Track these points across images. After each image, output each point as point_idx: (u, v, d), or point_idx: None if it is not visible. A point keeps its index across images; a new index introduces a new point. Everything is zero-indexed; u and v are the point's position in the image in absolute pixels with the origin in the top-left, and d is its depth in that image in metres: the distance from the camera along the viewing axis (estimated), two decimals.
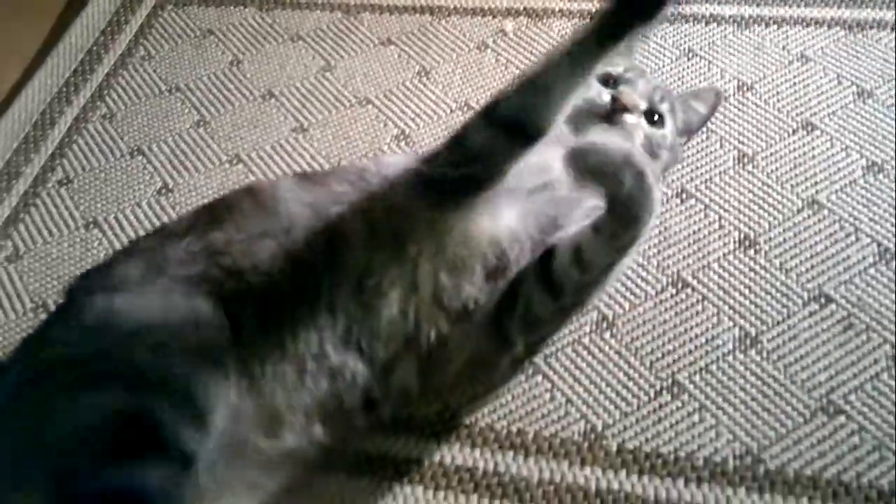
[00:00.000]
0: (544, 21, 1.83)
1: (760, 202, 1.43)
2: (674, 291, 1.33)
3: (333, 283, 1.05)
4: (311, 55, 1.84)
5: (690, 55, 1.70)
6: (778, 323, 1.28)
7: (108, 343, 0.96)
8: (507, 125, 1.08)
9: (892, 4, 1.71)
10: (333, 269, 1.05)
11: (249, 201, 1.13)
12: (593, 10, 1.83)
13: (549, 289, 1.09)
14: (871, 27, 1.69)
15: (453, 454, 1.19)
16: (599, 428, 1.19)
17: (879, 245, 1.35)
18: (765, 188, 1.45)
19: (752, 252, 1.37)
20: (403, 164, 1.17)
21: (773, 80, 1.63)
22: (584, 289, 1.11)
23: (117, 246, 1.50)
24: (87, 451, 0.90)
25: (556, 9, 1.84)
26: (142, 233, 1.51)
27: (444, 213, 1.09)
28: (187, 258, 1.05)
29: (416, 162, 1.16)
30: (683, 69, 1.68)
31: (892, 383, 1.20)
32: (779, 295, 1.31)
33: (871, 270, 1.32)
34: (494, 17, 1.86)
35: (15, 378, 0.99)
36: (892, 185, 1.43)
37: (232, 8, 1.98)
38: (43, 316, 1.40)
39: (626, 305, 1.32)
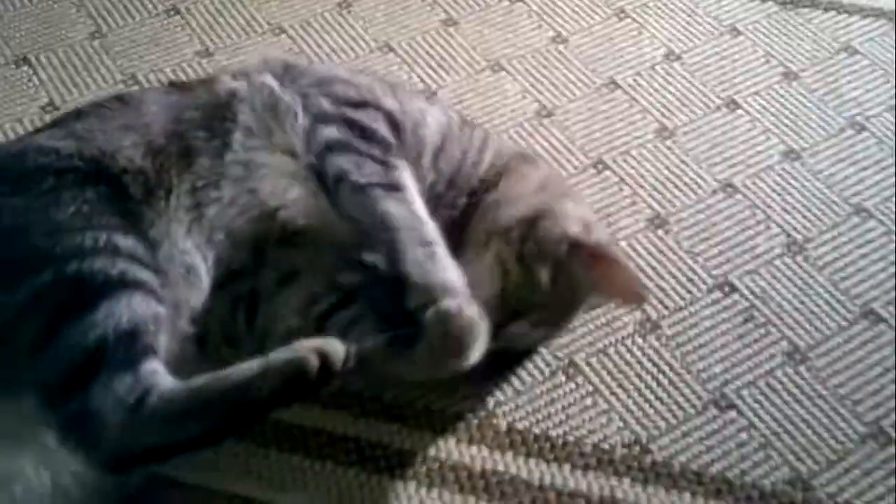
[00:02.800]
0: None
1: (676, 180, 1.40)
2: None
3: (180, 181, 1.08)
4: None
5: (622, 15, 1.65)
6: (680, 309, 1.26)
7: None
8: None
9: None
10: (181, 172, 1.08)
11: (116, 103, 1.16)
12: None
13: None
14: (805, 5, 1.66)
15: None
16: (491, 406, 1.16)
17: (788, 236, 1.34)
18: (682, 166, 1.42)
19: (661, 232, 1.34)
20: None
21: (701, 51, 1.59)
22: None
23: None
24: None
25: None
26: None
27: None
28: (54, 138, 1.08)
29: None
30: (613, 30, 1.63)
31: (785, 381, 1.19)
32: (684, 280, 1.29)
33: (778, 262, 1.31)
34: None
35: None
36: (807, 175, 1.41)
37: None
38: None
39: None
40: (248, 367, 0.94)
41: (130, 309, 0.94)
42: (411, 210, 1.07)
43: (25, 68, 1.55)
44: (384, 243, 1.06)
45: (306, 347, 0.94)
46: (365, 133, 1.12)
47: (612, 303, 1.22)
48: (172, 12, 1.64)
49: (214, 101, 1.14)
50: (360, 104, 1.16)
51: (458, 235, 1.12)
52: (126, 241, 0.99)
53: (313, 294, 1.11)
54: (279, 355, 0.94)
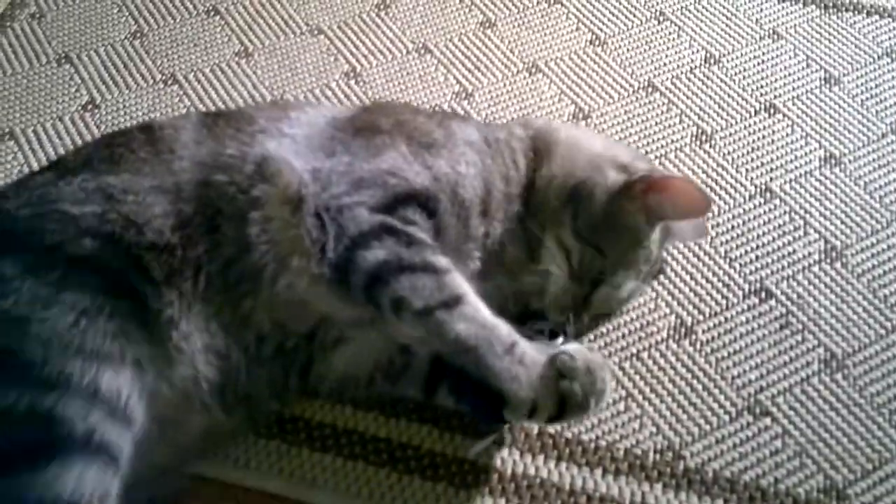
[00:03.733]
0: None
1: (713, 184, 1.39)
2: None
3: (209, 259, 1.02)
4: None
5: (661, 18, 1.63)
6: (715, 314, 1.25)
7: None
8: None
9: None
10: (210, 248, 1.03)
11: (147, 146, 1.08)
12: None
13: None
14: (847, 9, 1.64)
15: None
16: None
17: (827, 242, 1.32)
18: (719, 170, 1.40)
19: None
20: (297, 134, 1.11)
21: (741, 54, 1.57)
22: None
23: (32, 161, 1.41)
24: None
25: None
26: (61, 150, 1.42)
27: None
28: (81, 196, 1.02)
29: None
30: (652, 33, 1.61)
31: (821, 388, 1.18)
32: (720, 284, 1.28)
33: (815, 268, 1.29)
34: None
35: None
36: (847, 180, 1.39)
37: None
38: None
39: None
40: None
41: (79, 483, 0.88)
42: (480, 322, 0.99)
43: (67, 66, 1.56)
44: (467, 362, 0.99)
45: None
46: (409, 240, 1.02)
47: (682, 220, 1.17)
48: (212, 13, 1.65)
49: (244, 169, 1.05)
50: (394, 203, 1.05)
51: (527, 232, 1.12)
52: (113, 381, 0.93)
53: (373, 355, 1.11)
54: None
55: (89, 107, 1.50)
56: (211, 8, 1.66)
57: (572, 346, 1.02)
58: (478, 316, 0.99)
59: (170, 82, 1.53)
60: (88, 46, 1.59)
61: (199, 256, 1.02)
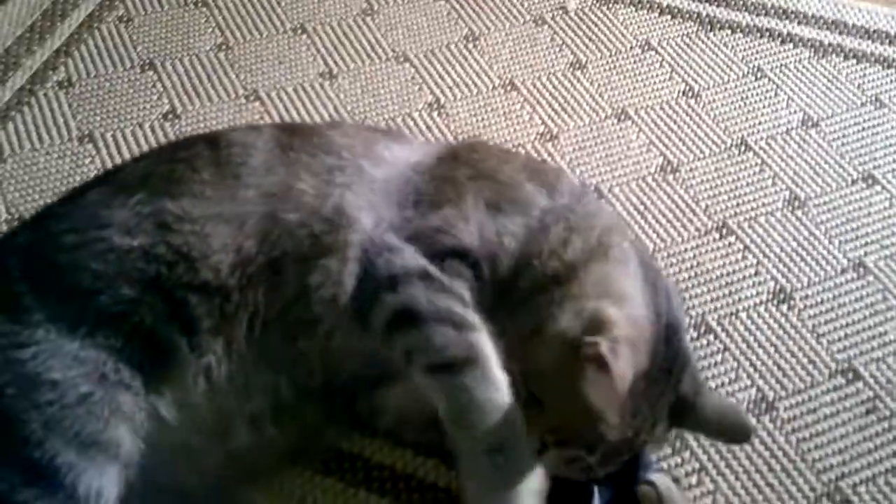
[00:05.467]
0: (610, 5, 1.70)
1: (804, 253, 1.33)
2: (704, 342, 1.23)
3: (268, 305, 0.97)
4: None
5: (759, 74, 1.58)
6: (799, 392, 1.19)
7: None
8: None
9: None
10: (269, 293, 0.97)
11: (211, 167, 1.01)
12: (664, 2, 1.70)
13: None
14: None
15: None
16: None
17: None
18: (811, 238, 1.35)
19: (784, 307, 1.27)
20: (386, 175, 1.05)
21: (841, 119, 1.51)
22: None
23: (109, 167, 1.39)
24: None
25: None
26: None
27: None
28: (133, 223, 0.96)
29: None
30: (749, 89, 1.56)
31: None
32: (805, 361, 1.22)
33: None
34: None
35: None
36: None
37: None
38: None
39: None
40: None
41: None
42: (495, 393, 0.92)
43: (151, 73, 1.55)
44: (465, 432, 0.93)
45: None
46: (444, 287, 0.96)
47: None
48: (299, 31, 1.64)
49: (319, 211, 0.99)
50: (441, 255, 0.99)
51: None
52: (94, 481, 0.88)
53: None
54: None
55: (170, 116, 1.49)
56: (298, 26, 1.64)
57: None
58: (497, 386, 0.92)
59: (252, 98, 1.52)
60: (173, 55, 1.58)
61: (258, 300, 0.96)
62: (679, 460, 1.11)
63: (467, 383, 0.90)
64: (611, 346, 0.88)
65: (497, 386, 0.91)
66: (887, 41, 1.64)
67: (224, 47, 1.60)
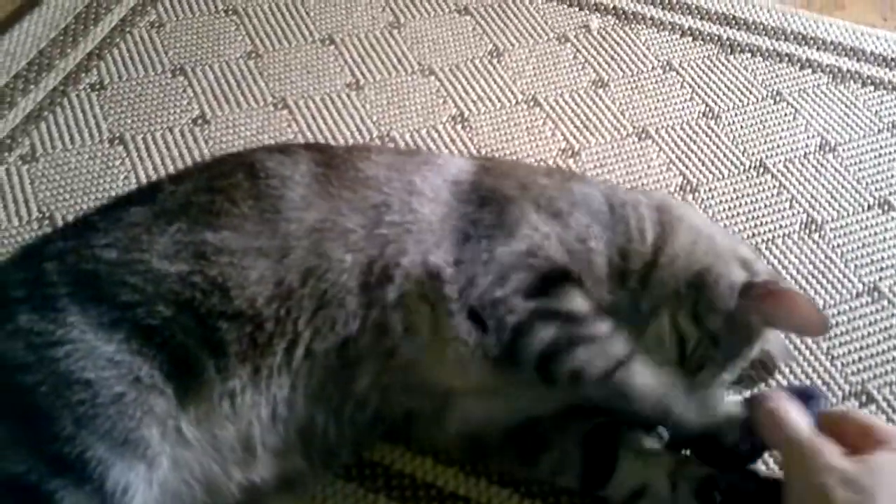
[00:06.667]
0: (632, 26, 1.72)
1: (819, 276, 1.34)
2: None
3: (315, 335, 0.98)
4: (381, 6, 1.73)
5: (777, 98, 1.60)
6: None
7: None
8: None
9: None
10: (316, 322, 0.98)
11: (250, 199, 1.02)
12: (686, 25, 1.72)
13: None
14: None
15: None
16: None
17: None
18: (827, 262, 1.36)
19: None
20: (441, 203, 1.06)
21: (857, 145, 1.53)
22: None
23: (139, 170, 1.41)
24: None
25: (648, 15, 1.74)
26: (168, 161, 1.43)
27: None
28: (172, 250, 0.97)
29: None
30: (768, 112, 1.58)
31: None
32: (819, 383, 1.23)
33: None
34: (581, 8, 1.75)
35: None
36: None
37: None
38: (48, 229, 1.31)
39: None
40: None
41: None
42: (655, 373, 0.99)
43: (181, 78, 1.57)
44: (654, 416, 1.00)
45: None
46: (568, 316, 1.00)
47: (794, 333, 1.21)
48: (328, 41, 1.66)
49: (373, 253, 1.01)
50: (543, 284, 1.01)
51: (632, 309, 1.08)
52: (121, 476, 0.89)
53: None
54: None
55: (199, 121, 1.50)
56: (326, 37, 1.66)
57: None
58: (650, 369, 0.99)
59: (280, 106, 1.54)
60: (203, 61, 1.60)
61: (299, 331, 0.97)
62: None
63: (638, 370, 0.98)
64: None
65: (652, 369, 0.99)
66: None
67: (254, 55, 1.62)
